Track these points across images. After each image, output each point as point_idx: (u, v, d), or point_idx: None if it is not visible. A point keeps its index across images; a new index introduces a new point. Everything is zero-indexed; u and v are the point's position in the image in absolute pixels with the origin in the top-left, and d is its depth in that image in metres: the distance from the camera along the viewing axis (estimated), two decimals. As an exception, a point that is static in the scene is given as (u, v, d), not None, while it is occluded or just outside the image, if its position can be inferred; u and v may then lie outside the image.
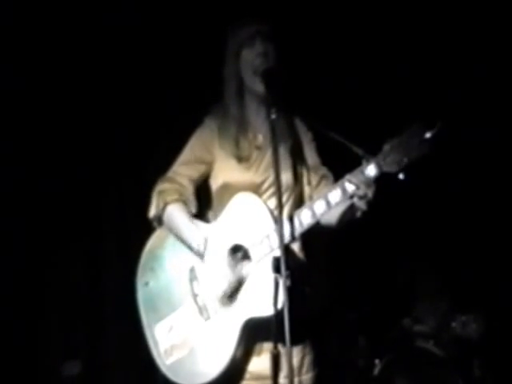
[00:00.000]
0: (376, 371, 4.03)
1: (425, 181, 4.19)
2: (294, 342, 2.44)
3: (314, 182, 2.95)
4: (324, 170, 2.96)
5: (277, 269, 2.49)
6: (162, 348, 2.95)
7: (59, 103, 4.31)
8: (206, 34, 4.09)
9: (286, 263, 2.47)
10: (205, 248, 2.88)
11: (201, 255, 2.89)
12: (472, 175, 4.30)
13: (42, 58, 4.25)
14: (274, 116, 2.66)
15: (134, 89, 4.33)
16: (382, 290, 4.28)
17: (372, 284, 4.29)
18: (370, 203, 2.64)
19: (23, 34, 4.20)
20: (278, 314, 2.48)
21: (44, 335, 4.39)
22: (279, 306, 2.51)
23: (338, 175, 2.76)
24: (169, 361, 2.92)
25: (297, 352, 2.81)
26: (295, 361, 2.75)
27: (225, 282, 2.81)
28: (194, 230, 2.91)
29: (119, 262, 4.33)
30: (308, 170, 2.95)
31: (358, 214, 2.72)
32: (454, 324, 4.10)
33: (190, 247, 2.92)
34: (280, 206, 2.55)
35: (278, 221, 2.58)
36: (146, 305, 3.03)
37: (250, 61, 2.86)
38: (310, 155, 2.98)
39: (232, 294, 2.80)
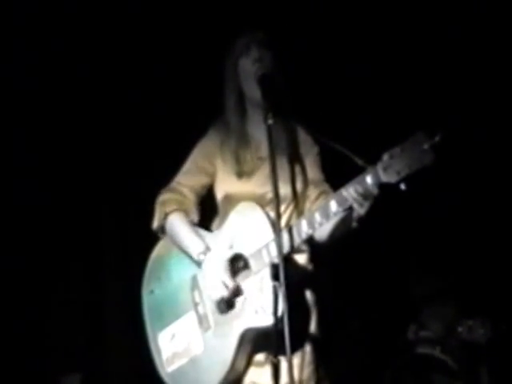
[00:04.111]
0: (384, 379, 4.01)
1: (429, 188, 4.15)
2: (294, 351, 2.47)
3: (312, 196, 2.93)
4: (325, 187, 2.94)
5: (275, 276, 2.50)
6: (164, 356, 2.97)
7: (60, 124, 4.34)
8: (210, 46, 4.06)
9: (286, 272, 2.47)
10: (202, 261, 2.86)
11: (200, 265, 2.88)
12: (475, 182, 4.29)
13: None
14: (270, 121, 2.68)
15: (136, 103, 4.34)
16: (387, 297, 4.27)
17: (376, 291, 4.27)
18: (366, 214, 2.61)
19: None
20: (278, 323, 2.48)
21: (44, 348, 4.36)
22: (279, 314, 2.51)
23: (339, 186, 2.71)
24: (170, 369, 2.94)
25: (297, 362, 2.77)
26: (296, 371, 2.71)
27: (223, 291, 2.80)
28: (194, 240, 2.91)
29: (120, 275, 4.33)
30: (307, 182, 2.94)
31: (354, 224, 2.70)
32: (460, 329, 4.05)
33: (190, 257, 2.91)
34: (278, 215, 2.56)
35: (276, 230, 2.60)
36: (150, 313, 3.04)
37: (248, 68, 2.88)
38: (312, 170, 2.97)
39: (229, 302, 2.79)
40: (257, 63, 2.85)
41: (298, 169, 2.93)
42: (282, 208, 2.84)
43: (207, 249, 2.86)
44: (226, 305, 2.80)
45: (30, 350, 4.29)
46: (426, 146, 2.39)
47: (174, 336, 2.94)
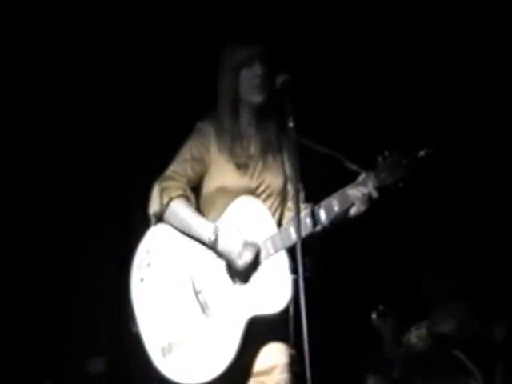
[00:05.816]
0: (395, 374, 4.04)
1: (441, 184, 4.26)
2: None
3: (290, 192, 3.05)
4: (298, 185, 3.01)
5: (294, 270, 2.64)
6: (159, 345, 2.94)
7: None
8: (202, 44, 4.17)
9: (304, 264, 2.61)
10: (217, 238, 2.92)
11: (213, 246, 2.94)
12: (485, 179, 4.31)
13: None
14: (291, 125, 2.78)
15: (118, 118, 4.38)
16: (399, 292, 4.28)
17: (388, 287, 4.29)
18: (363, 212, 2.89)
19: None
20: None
21: (69, 332, 4.40)
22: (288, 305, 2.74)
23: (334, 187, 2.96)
24: (167, 358, 2.92)
25: (285, 350, 2.90)
26: (284, 357, 2.89)
27: (247, 256, 2.89)
28: (202, 223, 2.96)
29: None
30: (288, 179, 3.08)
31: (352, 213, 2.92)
32: (475, 325, 4.06)
33: (199, 240, 2.96)
34: (298, 212, 2.68)
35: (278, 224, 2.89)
36: (140, 301, 3.02)
37: (249, 80, 2.99)
38: (288, 168, 3.08)
39: (246, 274, 2.89)
40: (259, 79, 2.97)
41: (283, 165, 3.08)
42: (271, 201, 3.01)
43: (217, 230, 2.92)
44: (251, 269, 2.88)
45: (54, 334, 4.33)
46: (416, 157, 2.81)
47: (170, 324, 2.94)
